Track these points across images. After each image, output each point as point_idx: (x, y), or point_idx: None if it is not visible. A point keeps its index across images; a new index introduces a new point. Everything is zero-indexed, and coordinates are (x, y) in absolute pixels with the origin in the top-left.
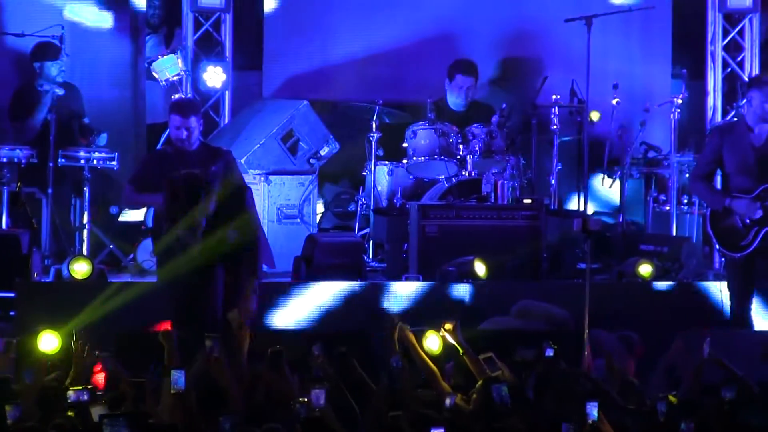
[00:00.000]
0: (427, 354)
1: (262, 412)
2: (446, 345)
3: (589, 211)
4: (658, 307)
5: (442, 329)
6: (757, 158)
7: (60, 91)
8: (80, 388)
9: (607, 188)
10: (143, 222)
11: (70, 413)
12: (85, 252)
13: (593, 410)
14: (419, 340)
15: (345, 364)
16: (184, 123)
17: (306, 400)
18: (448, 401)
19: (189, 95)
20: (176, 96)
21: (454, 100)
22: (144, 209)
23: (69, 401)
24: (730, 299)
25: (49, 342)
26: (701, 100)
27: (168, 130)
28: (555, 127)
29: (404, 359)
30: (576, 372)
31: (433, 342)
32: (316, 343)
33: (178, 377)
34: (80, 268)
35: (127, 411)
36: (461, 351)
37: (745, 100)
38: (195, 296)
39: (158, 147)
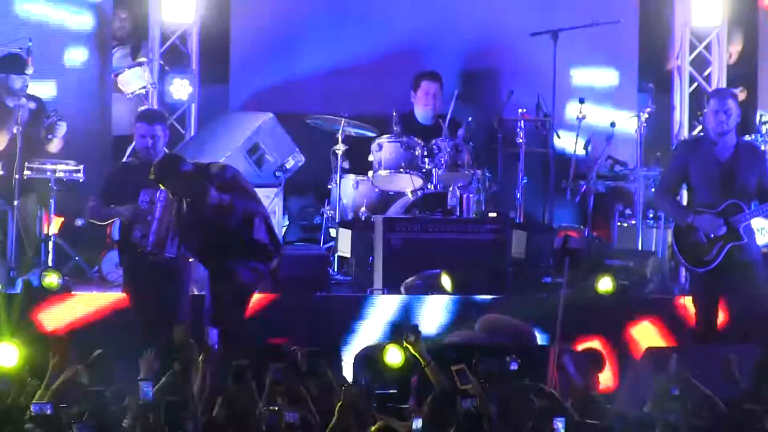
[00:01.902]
0: (389, 367)
1: (222, 427)
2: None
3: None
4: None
5: (404, 342)
6: (722, 173)
7: (32, 105)
8: (44, 401)
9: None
10: (109, 234)
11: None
12: (50, 263)
13: (559, 426)
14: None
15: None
16: (150, 131)
17: (276, 408)
18: (414, 425)
19: (155, 108)
20: (142, 108)
21: (421, 110)
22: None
23: (32, 414)
24: (696, 315)
25: (7, 353)
26: (667, 114)
27: (134, 143)
28: (521, 140)
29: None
30: (531, 386)
31: (394, 355)
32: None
33: (146, 389)
34: (51, 280)
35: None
36: (423, 363)
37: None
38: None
39: (124, 159)
